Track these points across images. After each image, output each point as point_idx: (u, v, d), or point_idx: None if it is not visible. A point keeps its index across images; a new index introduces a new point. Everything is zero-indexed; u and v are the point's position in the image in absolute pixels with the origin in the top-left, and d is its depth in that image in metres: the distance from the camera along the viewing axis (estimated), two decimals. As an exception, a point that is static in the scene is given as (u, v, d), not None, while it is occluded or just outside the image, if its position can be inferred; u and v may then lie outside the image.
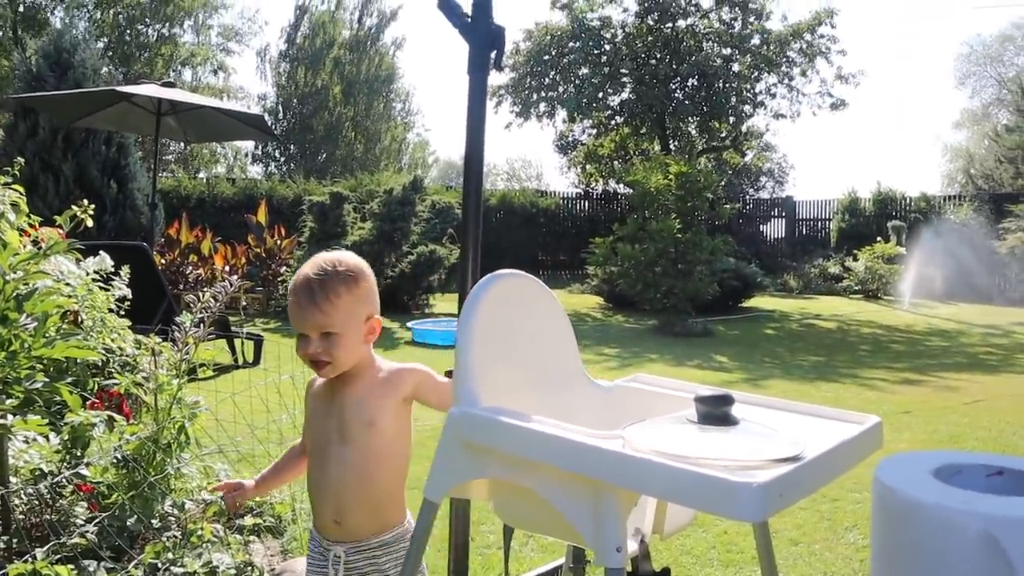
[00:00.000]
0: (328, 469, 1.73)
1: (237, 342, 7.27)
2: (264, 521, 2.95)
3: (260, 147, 32.93)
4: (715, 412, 1.23)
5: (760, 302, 14.26)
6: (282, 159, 33.42)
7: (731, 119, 21.41)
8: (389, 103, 35.68)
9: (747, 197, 24.45)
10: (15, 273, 2.03)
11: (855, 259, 16.92)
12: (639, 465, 1.08)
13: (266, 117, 25.06)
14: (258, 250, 11.48)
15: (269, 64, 34.26)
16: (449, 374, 2.59)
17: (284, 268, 11.66)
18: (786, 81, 20.75)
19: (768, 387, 6.98)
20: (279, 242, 11.65)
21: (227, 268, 10.27)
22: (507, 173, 51.75)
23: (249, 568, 2.50)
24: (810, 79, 20.60)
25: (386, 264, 11.81)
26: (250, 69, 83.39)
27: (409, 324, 9.92)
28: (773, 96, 21.12)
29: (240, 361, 7.16)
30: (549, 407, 1.44)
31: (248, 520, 2.91)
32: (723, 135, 22.66)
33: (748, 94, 20.83)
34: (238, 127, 10.13)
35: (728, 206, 13.15)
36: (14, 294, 1.96)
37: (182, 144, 25.45)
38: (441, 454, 1.34)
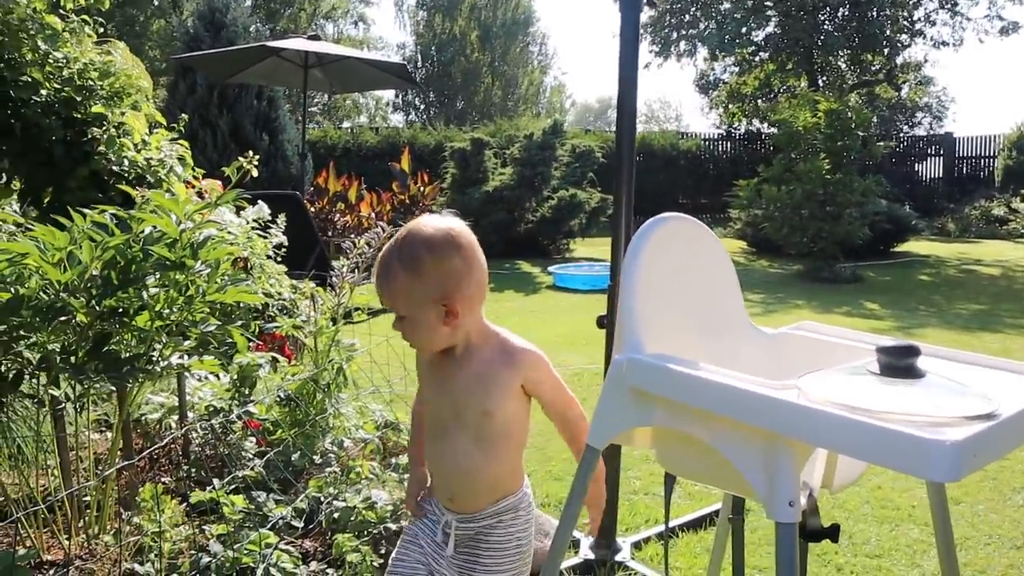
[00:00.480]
0: (444, 451, 1.65)
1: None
2: (417, 460, 3.05)
3: (400, 96, 33.58)
4: (899, 363, 1.15)
5: (914, 246, 13.48)
6: (422, 107, 33.98)
7: (885, 51, 20.07)
8: (525, 47, 35.55)
9: (901, 134, 22.96)
10: (188, 223, 2.14)
11: (1023, 200, 15.68)
12: (820, 418, 1.03)
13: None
14: (402, 197, 11.75)
15: (407, 13, 34.78)
16: (600, 320, 2.58)
17: (428, 214, 11.91)
18: (948, 5, 19.21)
19: (924, 336, 6.61)
20: (422, 189, 11.87)
21: (373, 215, 10.58)
22: (645, 115, 50.73)
23: (404, 505, 2.60)
24: (976, 1, 19.01)
25: (527, 209, 11.87)
26: (388, 19, 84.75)
27: (550, 269, 9.96)
28: (933, 23, 19.67)
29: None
30: (713, 353, 1.40)
31: (403, 459, 3.01)
32: (876, 68, 21.28)
33: (905, 22, 19.44)
34: (381, 76, 10.34)
35: (881, 144, 12.34)
36: (189, 242, 2.07)
37: (326, 96, 26.22)
38: (605, 400, 1.32)
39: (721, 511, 1.78)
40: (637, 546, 2.76)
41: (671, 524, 2.90)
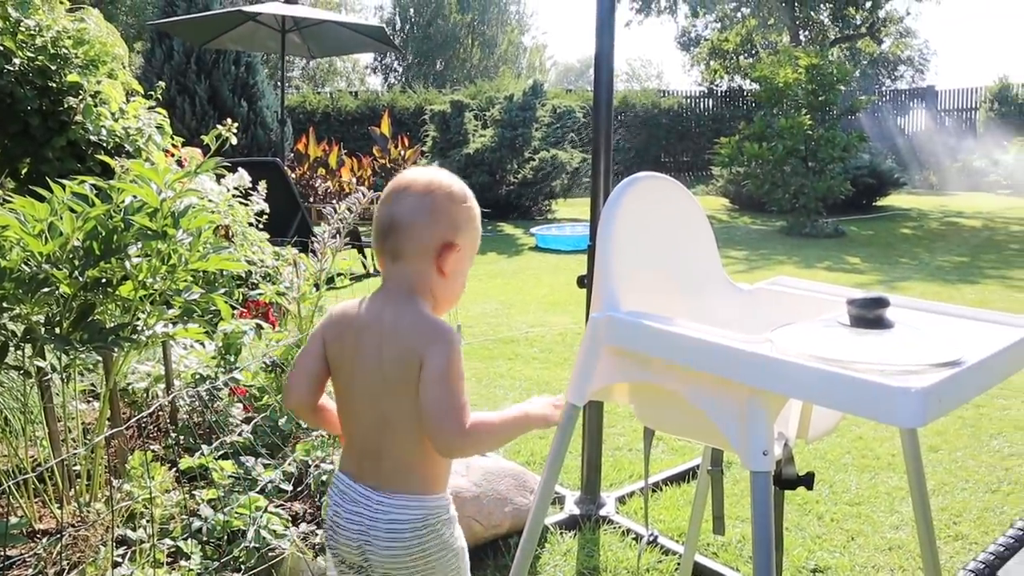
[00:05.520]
0: None
1: (368, 251, 7.51)
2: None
3: (379, 59, 33.19)
4: (868, 315, 1.18)
5: (896, 200, 13.56)
6: (401, 69, 33.61)
7: (868, 4, 20.00)
8: (504, 7, 35.13)
9: (883, 88, 22.94)
10: (169, 192, 2.13)
11: (1005, 152, 15.78)
12: (791, 369, 1.06)
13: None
14: (383, 161, 11.71)
15: (384, -27, 34.26)
16: (581, 280, 2.61)
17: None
18: (931, -42, 19.14)
19: (905, 289, 6.69)
20: (403, 152, 11.83)
21: (354, 180, 10.54)
22: (627, 74, 50.29)
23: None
24: (959, -47, 18.95)
25: (508, 171, 11.84)
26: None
27: (532, 230, 9.97)
28: (915, -24, 19.60)
29: (372, 270, 7.40)
30: (690, 309, 1.43)
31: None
32: (858, 23, 21.22)
33: (887, -25, 19.39)
34: (359, 39, 10.23)
35: (863, 98, 12.37)
36: (170, 211, 2.07)
37: (305, 60, 25.88)
38: (583, 358, 1.35)
39: (701, 464, 1.83)
40: (621, 500, 2.81)
41: (655, 479, 2.95)
